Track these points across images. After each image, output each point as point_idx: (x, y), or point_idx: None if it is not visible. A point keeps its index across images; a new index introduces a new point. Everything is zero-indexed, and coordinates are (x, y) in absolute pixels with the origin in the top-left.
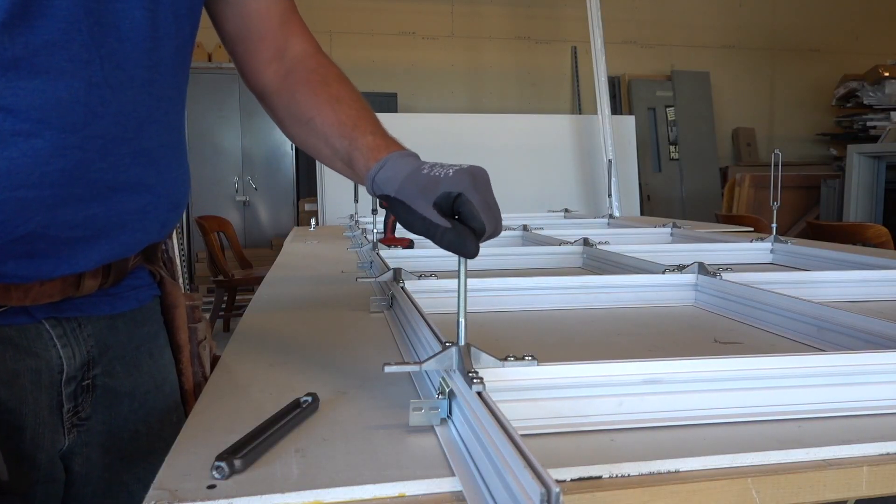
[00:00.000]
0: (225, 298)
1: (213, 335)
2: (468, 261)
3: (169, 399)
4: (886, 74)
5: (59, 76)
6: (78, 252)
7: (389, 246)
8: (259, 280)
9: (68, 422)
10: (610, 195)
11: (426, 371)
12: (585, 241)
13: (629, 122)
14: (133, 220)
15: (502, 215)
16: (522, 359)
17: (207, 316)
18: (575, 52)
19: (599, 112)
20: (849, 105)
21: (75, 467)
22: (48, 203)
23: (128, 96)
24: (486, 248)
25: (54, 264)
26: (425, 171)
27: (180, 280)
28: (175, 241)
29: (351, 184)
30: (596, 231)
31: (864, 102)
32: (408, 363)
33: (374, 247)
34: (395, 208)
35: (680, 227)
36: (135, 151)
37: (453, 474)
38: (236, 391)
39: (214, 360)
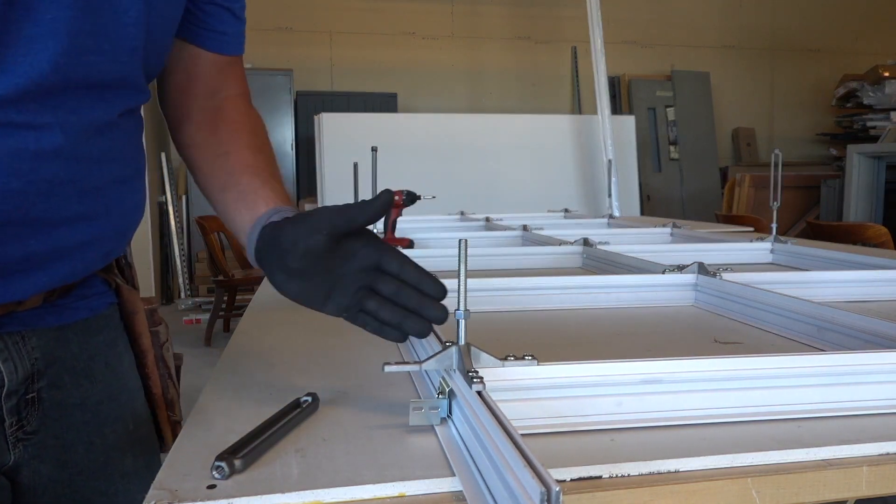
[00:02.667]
0: (225, 298)
1: (212, 335)
2: (469, 260)
3: (125, 408)
4: (886, 74)
5: (7, 127)
6: (13, 283)
7: None
8: (259, 280)
9: (12, 436)
10: (610, 195)
11: (426, 371)
12: (585, 241)
13: (629, 122)
14: (73, 252)
15: (502, 215)
16: (522, 358)
17: (207, 316)
18: (575, 52)
19: (599, 112)
20: (849, 105)
21: (23, 480)
22: None
23: (81, 139)
24: (486, 248)
25: None
26: None
27: (158, 285)
28: (130, 247)
29: (351, 184)
30: (596, 231)
31: (864, 102)
32: (408, 363)
33: None
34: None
35: (680, 227)
36: (81, 190)
37: (453, 474)
38: (236, 391)
39: (179, 362)
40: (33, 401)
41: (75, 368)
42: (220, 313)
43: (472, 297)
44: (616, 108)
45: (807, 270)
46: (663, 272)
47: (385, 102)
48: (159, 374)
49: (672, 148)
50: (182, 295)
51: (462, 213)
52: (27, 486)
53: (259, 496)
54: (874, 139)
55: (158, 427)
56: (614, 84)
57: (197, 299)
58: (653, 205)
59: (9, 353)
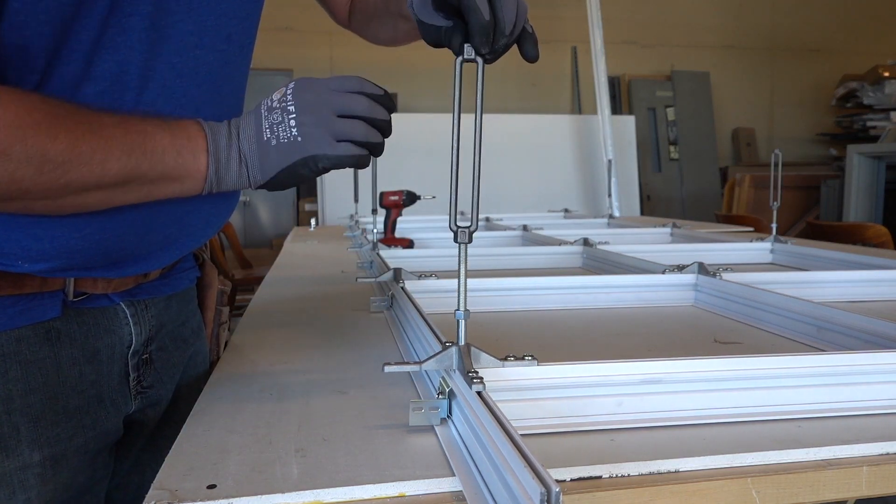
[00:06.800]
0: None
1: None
2: (468, 260)
3: (200, 369)
4: (886, 74)
5: None
6: (152, 259)
7: (389, 246)
8: (259, 280)
9: (134, 389)
10: (610, 195)
11: (426, 371)
12: (585, 242)
13: (629, 122)
14: (197, 230)
15: (503, 215)
16: (522, 359)
17: None
18: (575, 53)
19: (599, 112)
20: (848, 105)
21: (133, 425)
22: (140, 233)
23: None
24: (486, 248)
25: (133, 268)
26: None
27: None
28: None
29: (351, 184)
30: (596, 231)
31: (864, 102)
32: (408, 363)
33: (374, 247)
34: (419, 28)
35: (680, 227)
36: None
37: (453, 474)
38: (236, 391)
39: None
40: (148, 360)
41: (174, 333)
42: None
43: (471, 297)
44: (616, 109)
45: (807, 270)
46: (663, 272)
47: None
48: (209, 349)
49: (672, 148)
50: None
51: (462, 213)
52: (136, 430)
53: (259, 496)
54: (874, 139)
55: None
56: (614, 84)
57: None
58: (653, 205)
59: (138, 318)
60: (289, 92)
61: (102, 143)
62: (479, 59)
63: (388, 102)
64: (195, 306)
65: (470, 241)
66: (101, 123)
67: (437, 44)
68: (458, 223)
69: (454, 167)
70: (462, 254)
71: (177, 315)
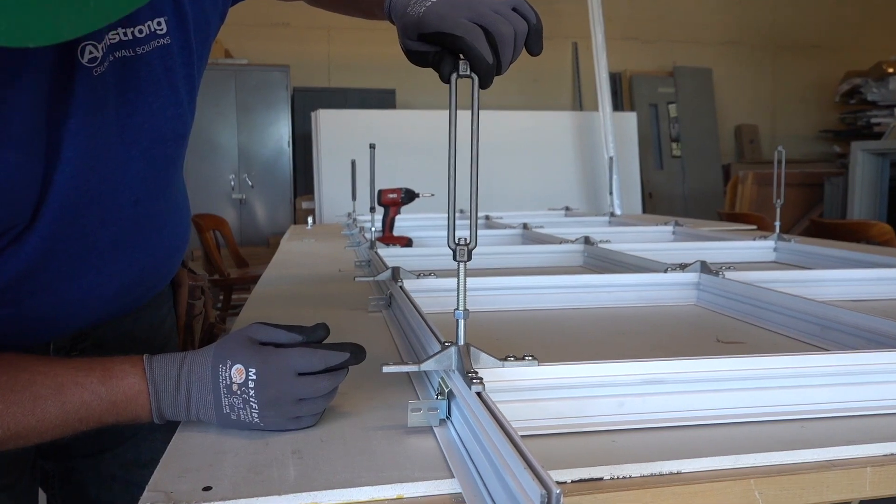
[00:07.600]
0: (221, 297)
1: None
2: (468, 262)
3: None
4: (890, 70)
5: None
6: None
7: (387, 244)
8: (255, 279)
9: None
10: (611, 193)
11: (425, 371)
12: (586, 240)
13: (631, 118)
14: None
15: (503, 213)
16: (522, 359)
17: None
18: (576, 49)
19: (601, 109)
20: (852, 102)
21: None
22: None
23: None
24: (485, 247)
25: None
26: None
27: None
28: None
29: (348, 182)
30: (597, 229)
31: (868, 99)
32: (406, 363)
33: (372, 245)
34: (406, 55)
35: (682, 226)
36: (175, 208)
37: (452, 476)
38: None
39: (212, 328)
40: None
41: (119, 329)
42: (216, 312)
43: (471, 296)
44: (617, 105)
45: (810, 269)
46: (665, 271)
47: (383, 99)
48: (183, 339)
49: (674, 145)
50: None
51: (462, 212)
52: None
53: (256, 498)
54: (878, 136)
55: None
56: (616, 80)
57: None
58: (655, 202)
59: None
60: (251, 384)
61: (35, 421)
62: (475, 76)
63: (355, 362)
64: (159, 303)
65: (469, 258)
66: (34, 397)
67: (423, 66)
68: (458, 222)
69: (451, 186)
70: (461, 269)
71: (149, 321)
